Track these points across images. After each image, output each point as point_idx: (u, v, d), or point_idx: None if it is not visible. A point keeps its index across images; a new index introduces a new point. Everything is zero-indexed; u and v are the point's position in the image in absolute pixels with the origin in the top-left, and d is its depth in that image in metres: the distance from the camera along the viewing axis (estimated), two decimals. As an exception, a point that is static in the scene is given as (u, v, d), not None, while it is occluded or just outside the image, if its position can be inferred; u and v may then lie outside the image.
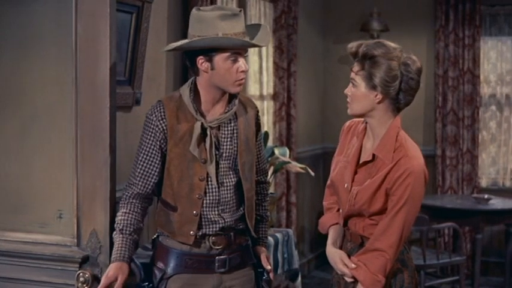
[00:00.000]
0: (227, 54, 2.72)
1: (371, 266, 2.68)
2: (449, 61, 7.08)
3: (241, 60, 2.76)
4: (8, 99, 2.81)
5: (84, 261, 2.68)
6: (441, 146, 7.15)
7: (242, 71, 2.76)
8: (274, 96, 6.25)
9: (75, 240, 2.71)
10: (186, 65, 4.75)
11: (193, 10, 2.77)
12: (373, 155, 2.74)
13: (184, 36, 4.69)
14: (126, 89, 4.14)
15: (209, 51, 2.71)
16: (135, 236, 2.75)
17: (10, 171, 2.82)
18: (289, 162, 4.39)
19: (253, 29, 2.83)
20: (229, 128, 2.84)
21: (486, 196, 6.30)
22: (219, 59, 2.72)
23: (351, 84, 2.73)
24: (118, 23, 3.34)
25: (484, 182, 7.24)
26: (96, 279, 2.65)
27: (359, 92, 2.70)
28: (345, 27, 7.52)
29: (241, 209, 2.86)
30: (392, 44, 2.74)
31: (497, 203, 6.28)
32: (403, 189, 2.67)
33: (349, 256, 2.76)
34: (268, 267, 2.96)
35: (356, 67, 2.71)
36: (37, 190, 2.78)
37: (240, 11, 2.76)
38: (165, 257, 2.81)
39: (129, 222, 2.75)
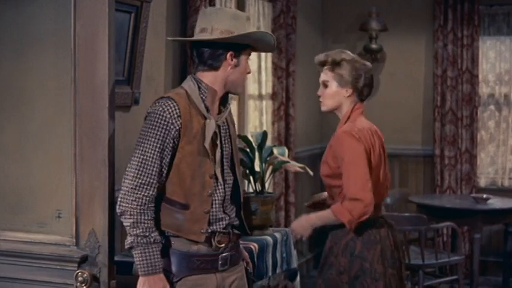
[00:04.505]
0: (249, 53, 2.87)
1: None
2: (448, 61, 7.08)
3: (249, 62, 2.91)
4: (6, 99, 2.81)
5: (83, 260, 2.67)
6: (440, 145, 7.16)
7: (248, 72, 2.91)
8: (273, 96, 6.25)
9: (74, 240, 2.70)
10: (185, 64, 4.75)
11: (221, 8, 2.90)
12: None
13: (184, 35, 4.69)
14: (125, 89, 4.15)
15: (239, 47, 2.81)
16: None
17: (9, 171, 2.82)
18: (287, 162, 4.38)
19: None
20: (224, 128, 2.91)
21: (485, 196, 6.31)
22: (244, 57, 2.85)
23: (322, 87, 3.46)
24: (117, 22, 3.35)
25: (482, 182, 7.24)
26: (94, 279, 2.65)
27: (331, 91, 3.43)
28: (343, 27, 7.53)
29: (236, 206, 2.94)
30: (348, 52, 3.49)
31: (495, 202, 6.29)
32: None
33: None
34: (248, 260, 3.12)
35: (327, 71, 3.44)
36: (36, 190, 2.78)
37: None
38: (172, 260, 2.81)
39: (155, 229, 2.73)
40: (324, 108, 3.50)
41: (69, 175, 2.70)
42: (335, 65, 3.41)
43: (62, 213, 2.73)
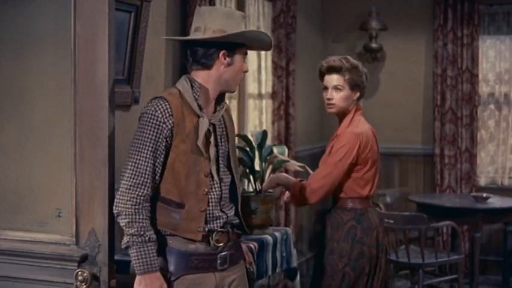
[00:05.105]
0: (244, 52, 2.86)
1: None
2: (448, 60, 7.09)
3: (245, 61, 2.91)
4: (6, 99, 2.81)
5: (83, 260, 2.68)
6: (440, 145, 7.16)
7: (245, 71, 2.91)
8: (273, 95, 6.25)
9: (74, 239, 2.71)
10: (185, 63, 4.75)
11: (215, 7, 2.90)
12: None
13: (184, 34, 4.69)
14: (125, 88, 4.15)
15: (233, 46, 2.81)
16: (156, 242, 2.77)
17: (9, 171, 2.82)
18: (287, 161, 4.39)
19: None
20: (221, 127, 2.91)
21: (485, 195, 6.31)
22: (239, 55, 2.84)
23: (332, 91, 3.75)
24: (117, 22, 3.35)
25: (482, 181, 7.24)
26: (94, 278, 2.65)
27: (344, 94, 3.74)
28: (343, 27, 7.53)
29: (234, 205, 2.94)
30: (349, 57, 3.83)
31: (495, 201, 6.29)
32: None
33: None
34: (251, 261, 3.10)
35: (339, 76, 3.73)
36: (36, 189, 2.78)
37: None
38: (169, 259, 2.81)
39: (150, 228, 2.74)
40: (333, 110, 3.78)
41: (69, 175, 2.70)
42: (349, 70, 3.73)
43: (62, 212, 2.74)
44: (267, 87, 6.24)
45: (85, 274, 2.64)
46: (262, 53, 6.10)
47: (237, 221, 2.95)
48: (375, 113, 7.33)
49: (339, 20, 7.54)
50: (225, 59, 2.80)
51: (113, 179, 2.68)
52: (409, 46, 7.38)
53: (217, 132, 2.88)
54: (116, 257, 2.81)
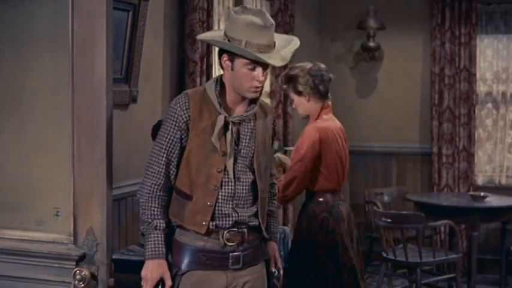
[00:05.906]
0: (245, 61, 2.79)
1: None
2: (446, 59, 7.09)
3: (258, 70, 2.79)
4: (5, 98, 2.81)
5: (81, 259, 2.67)
6: (437, 143, 7.17)
7: (257, 80, 2.81)
8: (271, 94, 6.26)
9: (72, 238, 2.71)
10: (182, 62, 4.76)
11: (235, 9, 2.86)
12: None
13: (182, 34, 4.71)
14: (123, 87, 4.16)
15: (232, 52, 2.80)
16: (166, 231, 2.85)
17: (7, 170, 2.82)
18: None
19: (282, 43, 2.92)
20: (248, 127, 2.90)
21: (482, 194, 6.31)
22: (238, 63, 2.81)
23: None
24: (115, 21, 3.35)
25: (480, 180, 7.25)
26: (92, 277, 2.65)
27: (296, 102, 4.07)
28: (341, 26, 7.53)
29: (255, 206, 2.91)
30: (301, 64, 4.13)
31: (493, 200, 6.29)
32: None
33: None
34: (279, 265, 3.09)
35: (286, 88, 4.12)
36: (34, 188, 2.78)
37: (272, 24, 2.83)
38: (179, 253, 2.85)
39: (161, 217, 2.84)
40: (300, 115, 4.16)
41: (67, 173, 2.70)
42: (287, 81, 4.08)
43: (60, 211, 2.74)
44: (265, 86, 6.23)
45: (83, 273, 2.64)
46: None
47: (255, 222, 2.92)
48: (373, 112, 7.34)
49: (336, 19, 7.54)
50: (224, 62, 2.83)
51: (111, 178, 2.68)
52: (407, 45, 7.38)
53: (242, 131, 2.88)
54: (114, 256, 2.81)
